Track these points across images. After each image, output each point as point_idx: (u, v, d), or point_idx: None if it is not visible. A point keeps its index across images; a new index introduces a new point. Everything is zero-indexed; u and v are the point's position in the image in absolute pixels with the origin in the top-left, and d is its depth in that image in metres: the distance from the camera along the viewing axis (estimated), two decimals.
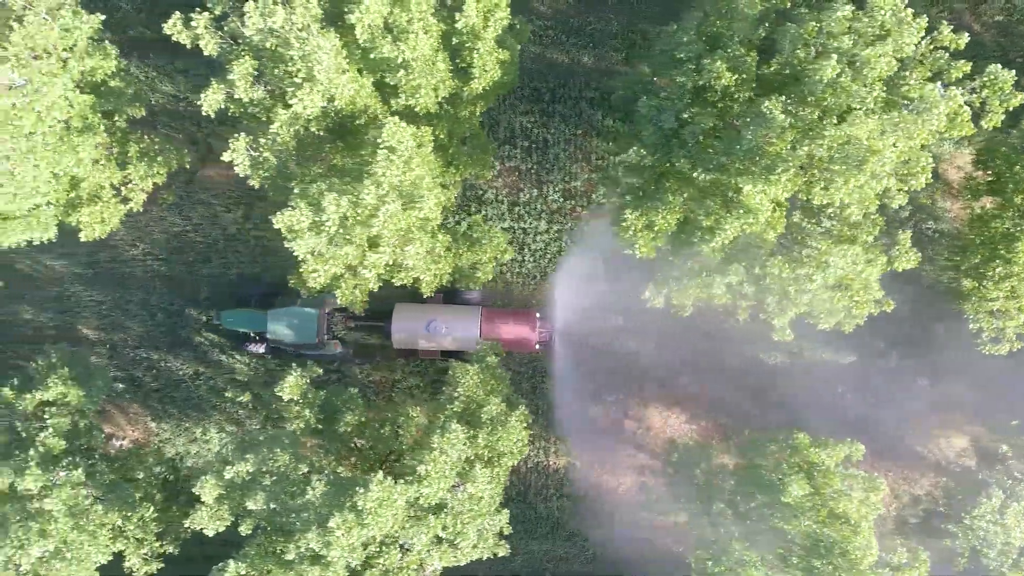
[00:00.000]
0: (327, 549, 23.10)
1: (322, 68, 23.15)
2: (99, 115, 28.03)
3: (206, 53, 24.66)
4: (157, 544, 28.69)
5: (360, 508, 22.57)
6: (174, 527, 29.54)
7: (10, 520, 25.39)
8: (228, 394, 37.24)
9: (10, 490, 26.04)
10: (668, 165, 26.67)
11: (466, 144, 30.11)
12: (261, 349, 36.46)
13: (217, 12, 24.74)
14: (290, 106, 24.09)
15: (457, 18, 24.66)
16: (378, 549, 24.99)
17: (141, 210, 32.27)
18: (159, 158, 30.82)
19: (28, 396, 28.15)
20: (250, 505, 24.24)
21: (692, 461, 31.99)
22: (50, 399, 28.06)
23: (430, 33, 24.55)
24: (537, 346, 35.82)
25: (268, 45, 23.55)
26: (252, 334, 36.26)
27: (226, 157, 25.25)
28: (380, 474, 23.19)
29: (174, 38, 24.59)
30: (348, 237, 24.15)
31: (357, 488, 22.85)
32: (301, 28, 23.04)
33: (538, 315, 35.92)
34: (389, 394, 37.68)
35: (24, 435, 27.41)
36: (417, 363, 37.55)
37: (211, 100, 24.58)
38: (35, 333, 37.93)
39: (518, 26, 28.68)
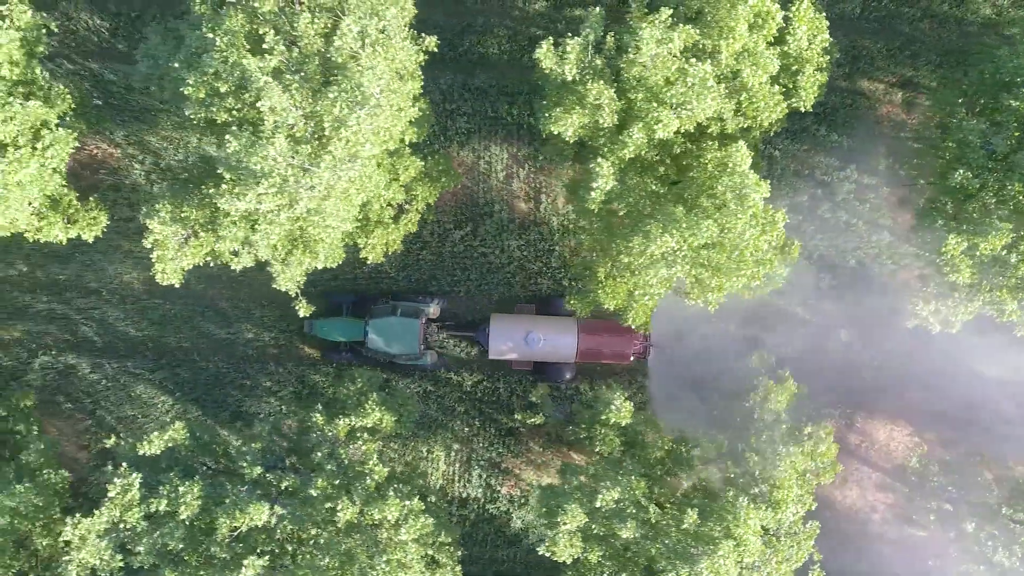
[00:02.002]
0: None
1: None
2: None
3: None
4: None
5: None
6: None
7: (359, 553, 24.87)
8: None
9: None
10: (996, 187, 27.01)
11: None
12: (349, 358, 36.17)
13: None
14: None
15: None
16: None
17: (415, 230, 31.79)
18: (442, 179, 30.43)
19: (340, 421, 27.60)
20: None
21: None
22: (368, 425, 27.51)
23: None
24: (632, 358, 35.79)
25: None
26: (344, 343, 35.94)
27: None
28: None
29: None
30: None
31: None
32: None
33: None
34: None
35: (346, 462, 26.82)
36: None
37: None
38: (257, 353, 37.32)
39: None
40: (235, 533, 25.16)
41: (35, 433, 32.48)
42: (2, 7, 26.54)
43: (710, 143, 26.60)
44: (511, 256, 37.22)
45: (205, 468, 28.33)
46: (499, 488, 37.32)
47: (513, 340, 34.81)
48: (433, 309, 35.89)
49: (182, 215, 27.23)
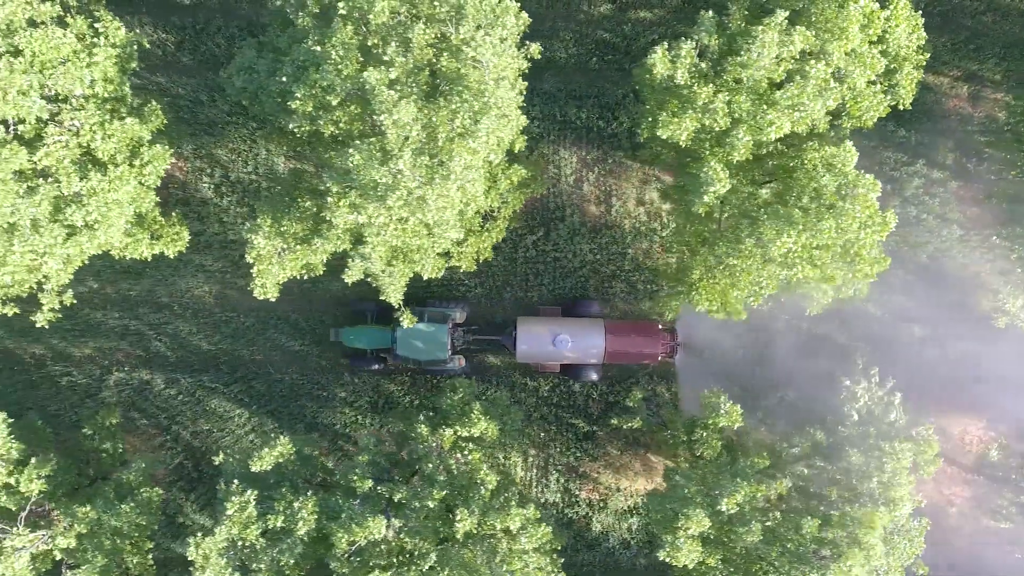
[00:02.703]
0: None
1: None
2: None
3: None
4: None
5: None
6: None
7: (479, 565, 24.79)
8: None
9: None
10: None
11: None
12: (376, 366, 36.12)
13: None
14: None
15: None
16: None
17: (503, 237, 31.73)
18: (531, 185, 30.37)
19: (446, 432, 27.51)
20: None
21: None
22: (476, 435, 27.41)
23: None
24: (660, 358, 35.78)
25: None
26: (370, 351, 35.87)
27: None
28: None
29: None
30: None
31: None
32: None
33: (660, 327, 35.92)
34: None
35: (456, 472, 26.73)
36: None
37: None
38: (330, 363, 37.19)
39: None
40: (353, 547, 25.05)
41: (120, 451, 32.36)
42: (97, 24, 26.39)
43: (808, 143, 26.58)
44: (583, 260, 37.16)
45: (305, 482, 28.19)
46: (578, 492, 37.26)
47: (540, 343, 34.76)
48: (459, 314, 35.87)
49: (282, 229, 27.10)
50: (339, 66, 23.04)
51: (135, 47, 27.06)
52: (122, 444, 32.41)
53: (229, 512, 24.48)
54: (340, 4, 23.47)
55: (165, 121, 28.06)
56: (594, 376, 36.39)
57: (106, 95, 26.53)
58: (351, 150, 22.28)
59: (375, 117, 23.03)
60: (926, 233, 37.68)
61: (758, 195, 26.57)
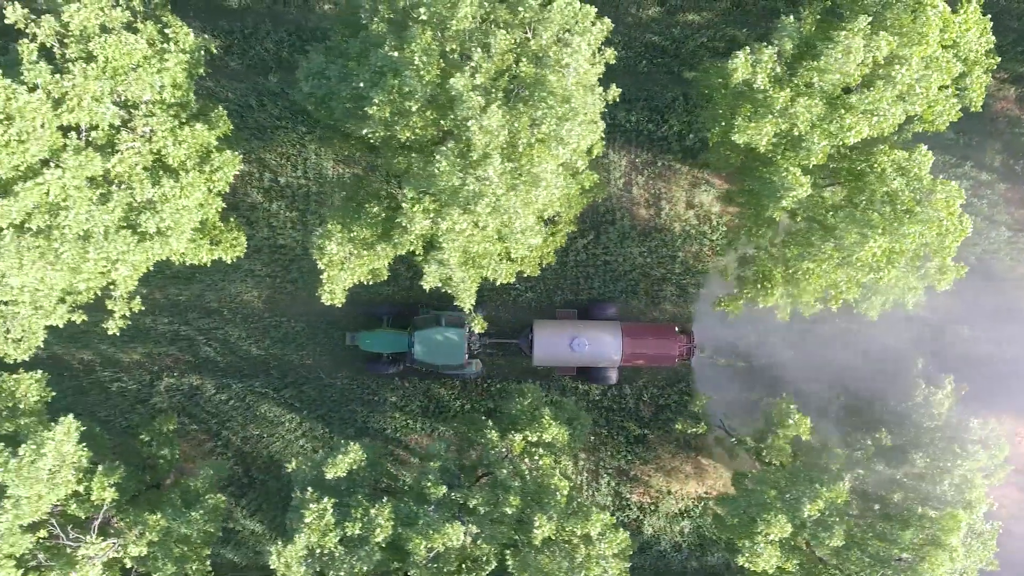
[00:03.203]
0: None
1: None
2: None
3: None
4: None
5: None
6: None
7: (556, 571, 24.74)
8: None
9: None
10: None
11: None
12: (392, 370, 35.99)
13: None
14: None
15: None
16: None
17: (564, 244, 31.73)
18: (593, 190, 30.29)
19: (515, 436, 27.46)
20: None
21: None
22: (547, 440, 27.37)
23: None
24: (677, 360, 35.75)
25: None
26: (386, 355, 35.74)
27: None
28: None
29: None
30: None
31: None
32: None
33: (676, 328, 35.91)
34: None
35: (528, 478, 26.67)
36: None
37: None
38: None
39: None
40: (432, 554, 24.99)
41: (176, 457, 32.25)
42: (167, 30, 26.28)
43: (878, 147, 26.61)
44: (633, 263, 37.15)
45: (372, 489, 28.12)
46: (629, 496, 37.23)
47: (558, 346, 34.64)
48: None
49: (351, 235, 27.03)
50: (421, 72, 22.97)
51: (202, 52, 26.97)
52: (178, 450, 32.30)
53: (308, 520, 24.39)
54: (421, 10, 23.39)
55: (231, 126, 27.97)
56: (611, 379, 36.29)
57: (172, 101, 26.44)
58: (438, 156, 22.19)
59: (457, 123, 22.96)
60: (975, 235, 37.66)
61: (824, 198, 26.60)
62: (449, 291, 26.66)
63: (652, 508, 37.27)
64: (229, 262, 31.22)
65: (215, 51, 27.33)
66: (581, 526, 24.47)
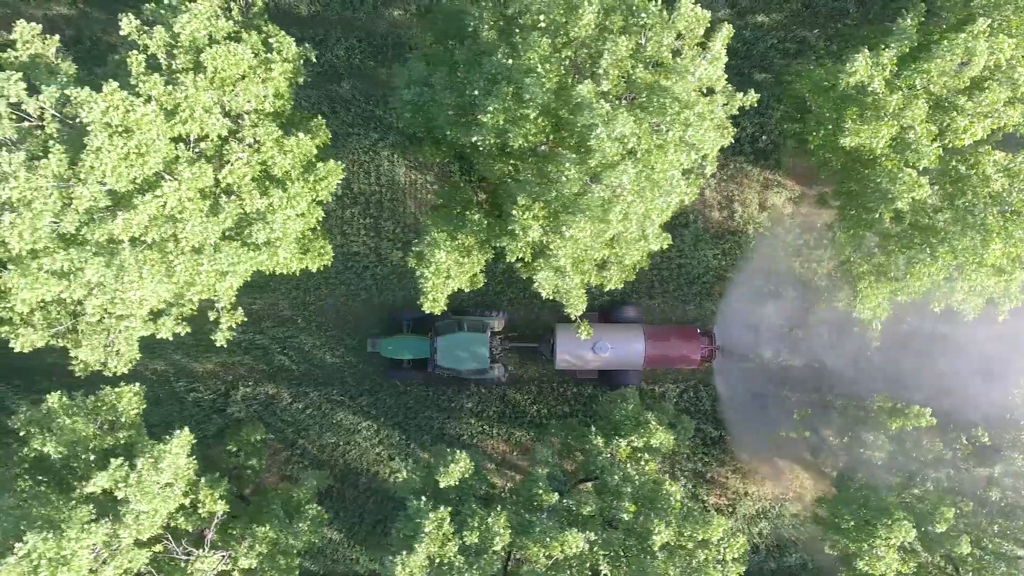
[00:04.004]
0: None
1: None
2: None
3: None
4: None
5: None
6: None
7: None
8: None
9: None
10: None
11: None
12: (413, 376, 35.93)
13: None
14: None
15: None
16: None
17: None
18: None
19: (620, 442, 27.46)
20: None
21: None
22: (653, 444, 27.37)
23: None
24: (700, 362, 35.62)
25: None
26: (406, 361, 35.65)
27: None
28: None
29: None
30: None
31: None
32: None
33: (698, 330, 35.87)
34: None
35: (637, 483, 26.66)
36: None
37: None
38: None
39: None
40: (551, 562, 24.95)
41: (263, 467, 32.14)
42: (271, 39, 26.17)
43: (981, 148, 26.68)
44: (708, 265, 37.18)
45: (474, 497, 28.04)
46: (706, 498, 37.26)
47: (580, 349, 34.47)
48: (497, 323, 35.69)
49: (456, 243, 26.97)
50: (542, 79, 22.92)
51: (302, 61, 26.86)
52: (264, 460, 32.20)
53: (428, 529, 24.29)
54: (540, 17, 23.35)
55: (330, 136, 27.88)
56: (633, 382, 36.15)
57: (272, 110, 26.33)
58: (567, 164, 22.13)
59: (578, 130, 22.91)
60: None
61: (925, 201, 26.66)
62: (558, 299, 26.59)
63: (729, 510, 37.29)
64: (313, 271, 31.07)
65: (314, 59, 27.15)
66: (703, 531, 24.47)
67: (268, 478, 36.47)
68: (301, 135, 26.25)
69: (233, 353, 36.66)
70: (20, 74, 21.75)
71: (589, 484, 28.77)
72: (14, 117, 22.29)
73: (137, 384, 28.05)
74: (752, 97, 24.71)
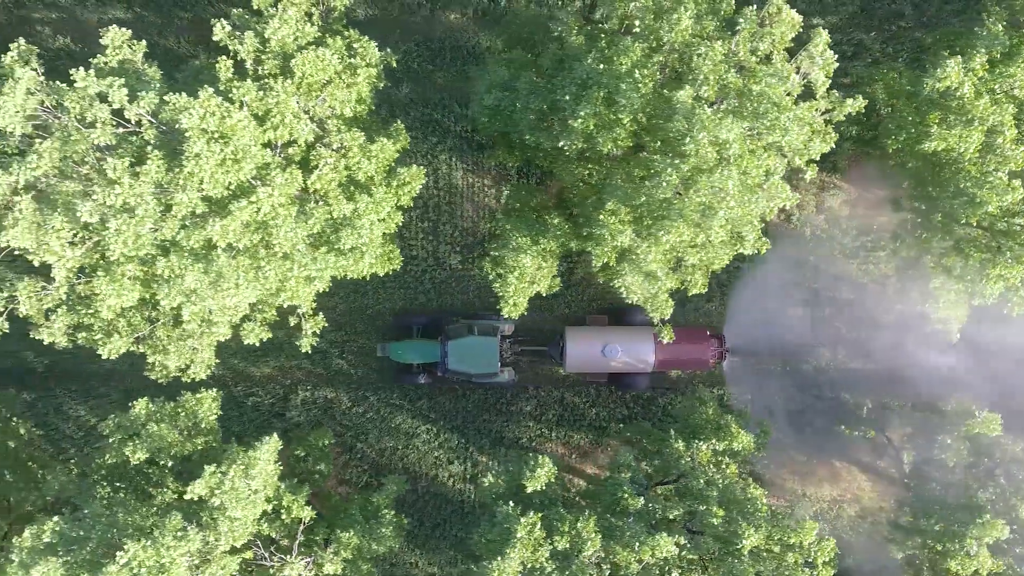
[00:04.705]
0: None
1: None
2: None
3: None
4: None
5: None
6: None
7: None
8: None
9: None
10: None
11: None
12: (423, 380, 35.89)
13: None
14: None
15: None
16: None
17: None
18: None
19: (700, 445, 27.53)
20: None
21: None
22: (734, 448, 27.44)
23: None
24: (711, 364, 35.57)
25: None
26: (416, 365, 35.62)
27: None
28: None
29: None
30: None
31: None
32: None
33: (708, 332, 35.77)
34: None
35: (721, 487, 26.73)
36: None
37: None
38: (516, 376, 37.01)
39: None
40: (641, 566, 24.98)
41: (330, 471, 32.08)
42: (355, 45, 26.12)
43: None
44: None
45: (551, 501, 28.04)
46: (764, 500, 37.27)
47: (590, 352, 34.36)
48: (507, 326, 35.66)
49: (539, 247, 26.99)
50: (639, 84, 22.97)
51: (381, 66, 26.83)
52: (331, 465, 32.14)
53: (520, 535, 24.28)
54: (636, 22, 23.39)
55: (408, 140, 27.85)
56: (643, 385, 36.12)
57: (351, 115, 26.28)
58: (668, 168, 22.16)
59: (672, 134, 22.97)
60: None
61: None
62: (641, 303, 26.62)
63: (788, 512, 37.33)
64: (382, 275, 31.04)
65: (395, 64, 27.10)
66: (794, 535, 24.55)
67: (327, 483, 36.36)
68: (384, 140, 26.25)
69: (291, 357, 36.59)
70: (122, 80, 21.61)
71: (666, 487, 28.79)
72: (114, 123, 22.18)
73: (214, 390, 27.96)
74: (860, 103, 24.74)
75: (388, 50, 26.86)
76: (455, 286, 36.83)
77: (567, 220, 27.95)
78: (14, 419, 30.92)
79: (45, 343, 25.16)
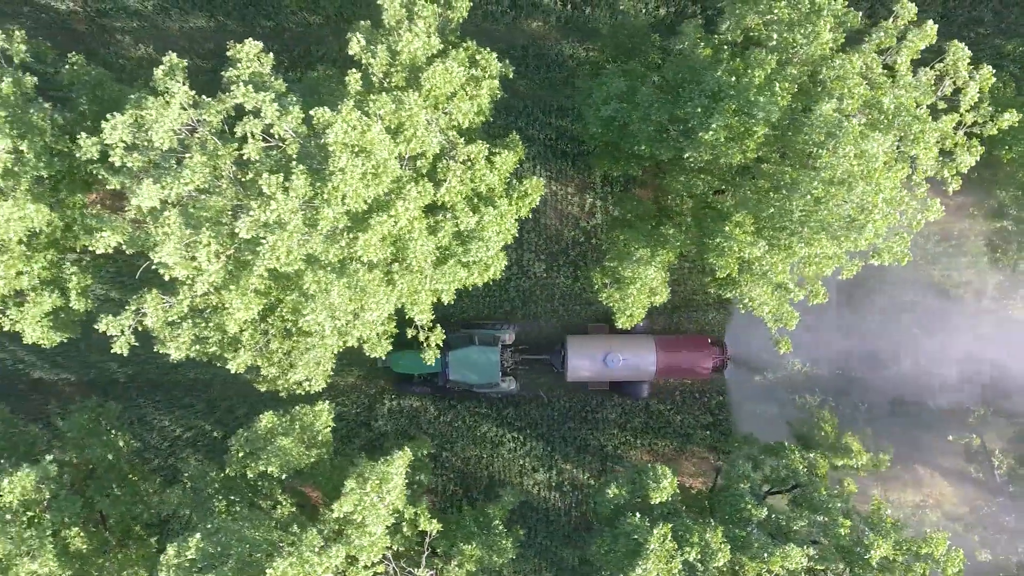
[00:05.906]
0: None
1: None
2: None
3: None
4: None
5: None
6: None
7: None
8: None
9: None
10: None
11: None
12: (425, 389, 36.06)
13: None
14: None
15: None
16: None
17: None
18: None
19: (817, 460, 27.67)
20: None
21: None
22: (858, 464, 27.58)
23: None
24: (712, 372, 35.73)
25: None
26: (417, 375, 35.71)
27: None
28: None
29: None
30: None
31: None
32: None
33: (710, 340, 36.02)
34: None
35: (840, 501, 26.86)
36: None
37: None
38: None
39: None
40: None
41: (430, 481, 32.03)
42: (477, 56, 26.07)
43: None
44: None
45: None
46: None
47: (591, 361, 34.60)
48: (508, 335, 35.77)
49: (659, 259, 27.03)
50: (776, 96, 23.02)
51: (499, 76, 26.79)
52: (430, 475, 32.08)
53: (652, 547, 24.30)
54: (773, 35, 23.45)
55: (524, 151, 27.81)
56: (645, 393, 36.25)
57: (467, 126, 26.22)
58: (815, 181, 22.21)
59: (806, 147, 23.03)
60: None
61: None
62: (762, 317, 26.65)
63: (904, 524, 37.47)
64: (480, 284, 30.98)
65: (511, 75, 27.04)
66: (925, 546, 24.69)
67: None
68: (505, 152, 26.23)
69: (375, 368, 36.49)
70: (273, 94, 21.52)
71: (777, 496, 28.90)
72: (261, 139, 22.09)
73: (326, 402, 27.88)
74: (1015, 116, 24.83)
75: (506, 61, 26.81)
76: (540, 294, 36.81)
77: (681, 231, 27.98)
78: (113, 432, 30.73)
79: (172, 359, 25.01)
